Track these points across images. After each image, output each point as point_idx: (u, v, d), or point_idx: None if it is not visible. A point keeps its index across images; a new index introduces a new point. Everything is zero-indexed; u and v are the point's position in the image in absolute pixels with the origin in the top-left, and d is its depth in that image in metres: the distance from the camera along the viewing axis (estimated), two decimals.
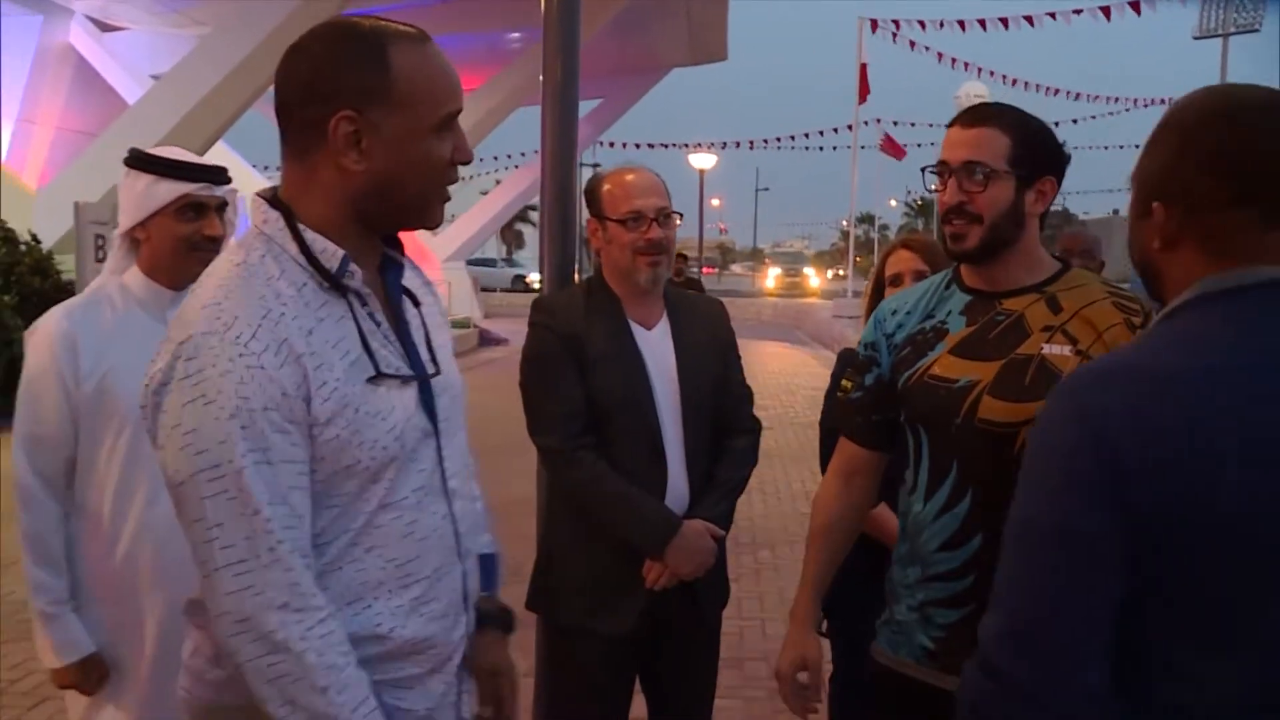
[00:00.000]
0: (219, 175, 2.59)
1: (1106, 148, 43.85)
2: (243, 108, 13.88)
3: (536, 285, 5.30)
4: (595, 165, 33.84)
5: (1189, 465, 1.35)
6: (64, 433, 2.51)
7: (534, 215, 51.04)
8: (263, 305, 1.57)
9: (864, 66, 28.37)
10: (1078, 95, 42.19)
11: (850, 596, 2.94)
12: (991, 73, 36.06)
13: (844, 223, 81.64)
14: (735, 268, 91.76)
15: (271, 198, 1.69)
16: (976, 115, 2.17)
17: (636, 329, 2.84)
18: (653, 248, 2.79)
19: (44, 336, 2.52)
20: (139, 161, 2.56)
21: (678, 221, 2.89)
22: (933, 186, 2.21)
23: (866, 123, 31.23)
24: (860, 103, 28.66)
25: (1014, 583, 1.41)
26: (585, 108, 26.44)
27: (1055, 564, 1.39)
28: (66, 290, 12.24)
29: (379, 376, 1.65)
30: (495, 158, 38.57)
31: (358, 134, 1.60)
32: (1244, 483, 1.34)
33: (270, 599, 1.54)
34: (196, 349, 1.54)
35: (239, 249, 1.66)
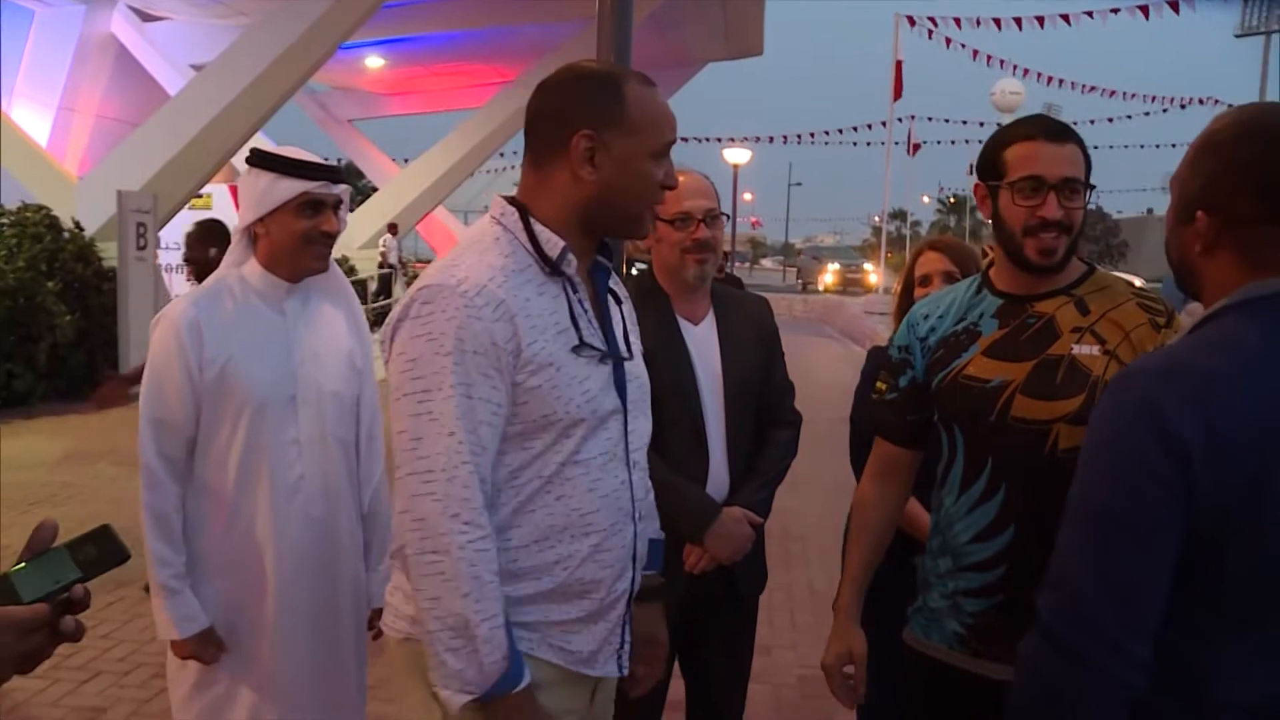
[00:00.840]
0: (336, 174, 2.73)
1: (1142, 146, 43.56)
2: (283, 99, 14.00)
3: None
4: None
5: (1247, 461, 1.50)
6: (187, 416, 2.64)
7: None
8: (490, 271, 1.90)
9: (899, 63, 28.33)
10: (1113, 93, 41.88)
11: (879, 586, 3.02)
12: (1026, 71, 35.94)
13: (875, 218, 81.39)
14: (766, 262, 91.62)
15: (510, 198, 2.04)
16: (1063, 131, 2.23)
17: (684, 324, 2.94)
18: (700, 247, 2.89)
19: (170, 324, 2.65)
20: (262, 160, 2.69)
21: (724, 222, 2.99)
22: (1012, 199, 2.21)
23: (901, 119, 31.12)
24: (895, 99, 28.62)
25: (1081, 563, 1.55)
26: None
27: (1123, 548, 1.52)
28: (108, 277, 12.44)
29: (581, 346, 1.95)
30: None
31: (592, 150, 1.94)
32: None
33: (447, 507, 1.83)
34: (431, 296, 1.88)
35: (480, 232, 2.02)
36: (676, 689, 3.10)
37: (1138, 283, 2.95)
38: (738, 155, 39.63)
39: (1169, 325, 2.19)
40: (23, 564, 1.30)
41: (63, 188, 13.77)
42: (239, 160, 19.89)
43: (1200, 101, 46.19)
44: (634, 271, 13.05)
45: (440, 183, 24.16)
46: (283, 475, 2.68)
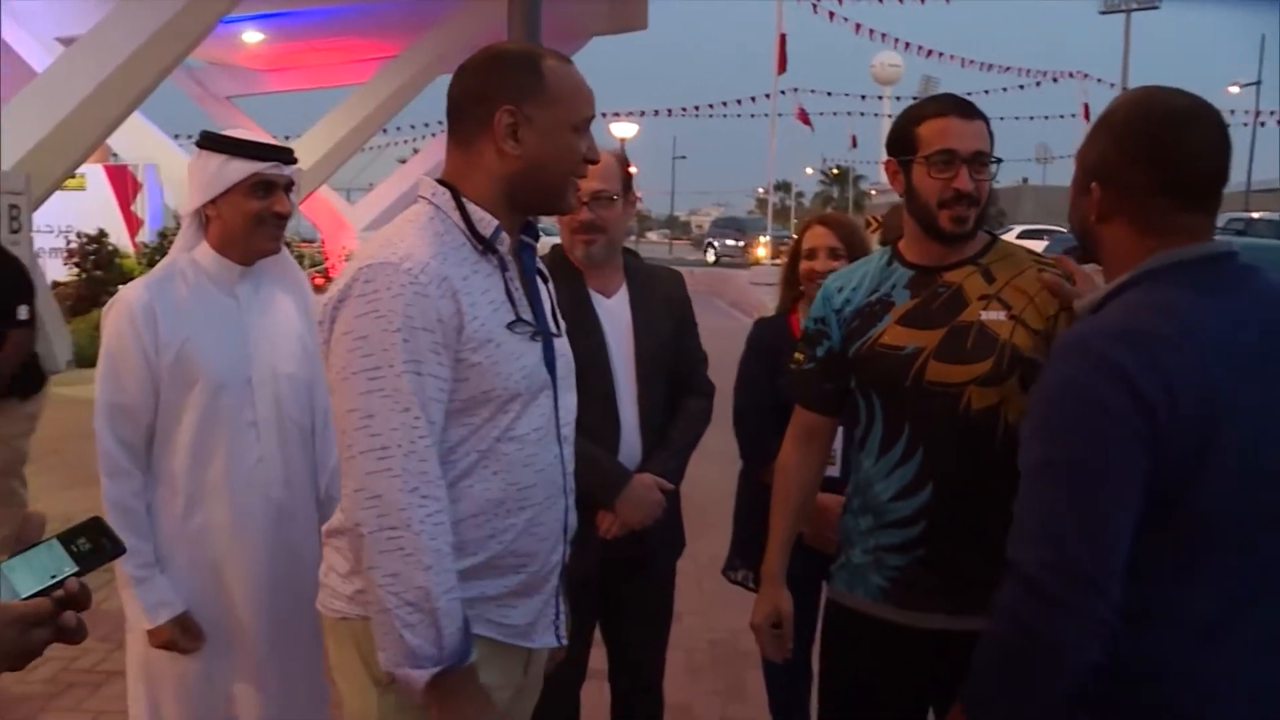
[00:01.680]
0: (287, 155, 2.72)
1: (1016, 118, 44.77)
2: (161, 75, 13.55)
3: None
4: None
5: (1196, 419, 1.65)
6: (146, 401, 2.62)
7: None
8: (431, 248, 1.93)
9: (783, 36, 28.63)
10: (989, 66, 42.95)
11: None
12: (908, 44, 36.60)
13: (760, 190, 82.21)
14: (652, 235, 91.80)
15: (439, 180, 2.06)
16: (972, 109, 2.36)
17: (596, 297, 3.00)
18: (584, 228, 2.94)
19: (124, 308, 2.62)
20: (211, 142, 2.68)
21: (620, 203, 3.00)
22: (937, 174, 2.30)
23: (784, 92, 31.47)
24: (779, 72, 28.92)
25: (1062, 517, 1.67)
26: None
27: (1102, 497, 1.66)
28: None
29: (516, 322, 1.99)
30: (413, 126, 38.21)
31: (515, 125, 1.97)
32: (1237, 430, 1.67)
33: (405, 483, 1.85)
34: (374, 274, 1.89)
35: (412, 213, 2.03)
36: (598, 657, 3.17)
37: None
38: (624, 129, 39.65)
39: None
40: (12, 558, 1.26)
41: None
42: (115, 140, 19.34)
43: (1070, 75, 47.66)
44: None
45: (324, 161, 23.64)
46: (241, 458, 2.68)
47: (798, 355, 2.58)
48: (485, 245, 1.99)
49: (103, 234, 16.85)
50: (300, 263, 24.92)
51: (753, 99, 45.09)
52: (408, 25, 23.51)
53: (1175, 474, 1.67)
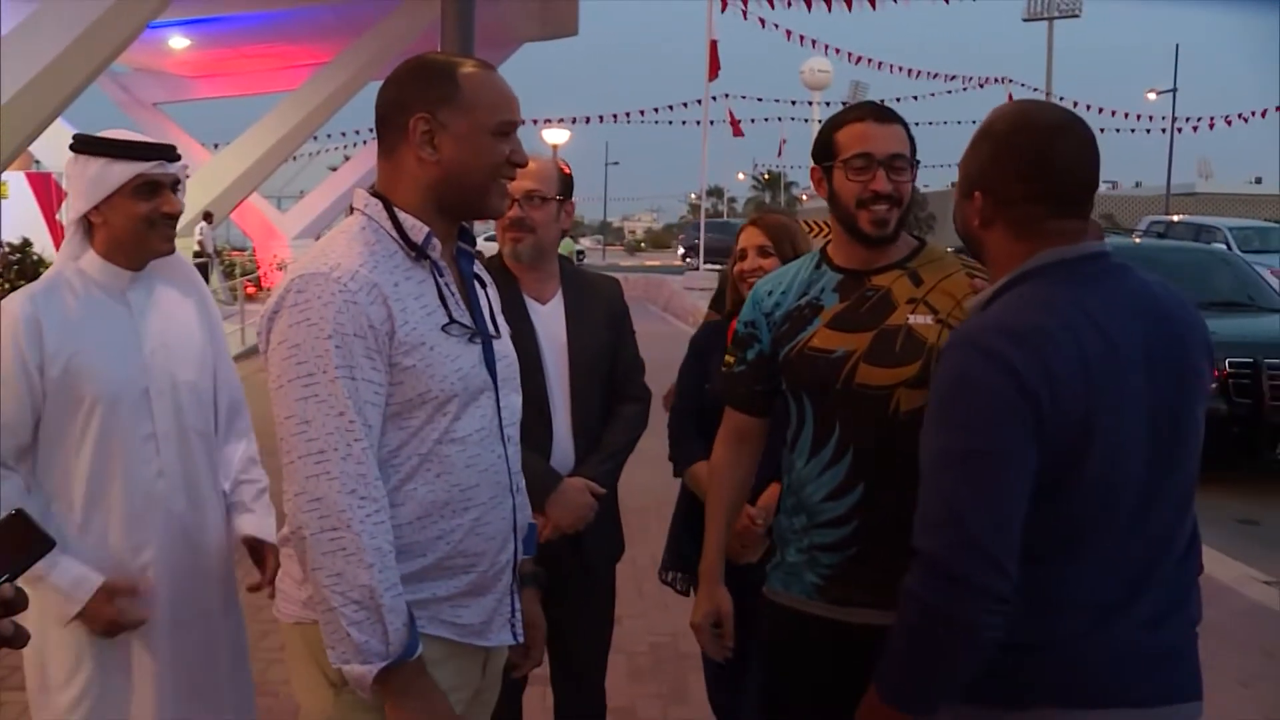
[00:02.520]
0: (170, 153, 2.63)
1: (945, 123, 45.34)
2: (86, 81, 13.30)
3: None
4: None
5: (1077, 406, 1.80)
6: (20, 419, 2.50)
7: None
8: (360, 257, 1.98)
9: (714, 43, 28.78)
10: (918, 73, 43.50)
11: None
12: (838, 50, 36.98)
13: (692, 196, 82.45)
14: (585, 241, 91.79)
15: (371, 190, 2.10)
16: (886, 113, 2.44)
17: (531, 303, 3.03)
18: (513, 225, 2.97)
19: (7, 320, 2.50)
20: (88, 145, 2.57)
21: (555, 205, 3.02)
22: (848, 175, 2.38)
23: (716, 98, 31.66)
24: (710, 79, 29.06)
25: (960, 501, 1.79)
26: None
27: (995, 480, 1.79)
28: None
29: (450, 324, 2.03)
30: (344, 134, 37.86)
31: (430, 133, 2.02)
32: (1109, 421, 1.82)
33: (344, 485, 1.89)
34: (305, 284, 1.95)
35: (346, 224, 2.09)
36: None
37: None
38: (556, 135, 39.59)
39: None
40: None
41: None
42: (37, 147, 18.93)
43: (996, 81, 48.39)
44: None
45: (254, 168, 23.36)
46: (139, 473, 2.57)
47: (729, 358, 2.63)
48: (418, 252, 2.03)
49: (27, 243, 16.54)
50: (232, 271, 24.69)
51: (685, 105, 45.28)
52: (339, 32, 23.35)
53: (1060, 457, 1.80)
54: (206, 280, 18.84)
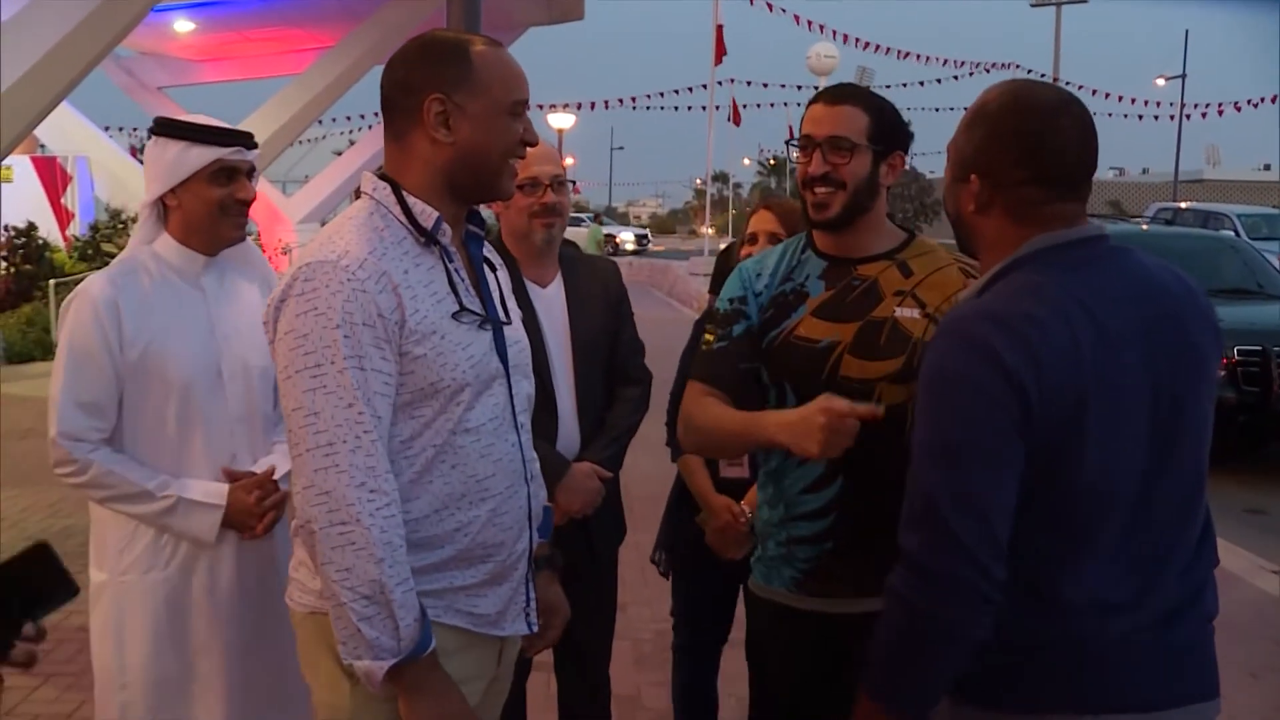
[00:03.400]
0: (248, 140, 2.65)
1: (952, 109, 45.16)
2: (91, 64, 13.27)
3: None
4: None
5: (1068, 394, 1.72)
6: (111, 398, 2.55)
7: None
8: (369, 244, 1.94)
9: (720, 28, 28.70)
10: (927, 59, 43.36)
11: (676, 539, 3.41)
12: (845, 36, 36.87)
13: (698, 181, 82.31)
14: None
15: (379, 173, 2.05)
16: (838, 94, 2.38)
17: (532, 287, 3.02)
18: (547, 211, 2.96)
19: (87, 303, 2.54)
20: (168, 128, 2.59)
21: (569, 188, 3.06)
22: (795, 157, 2.39)
23: (721, 83, 31.59)
24: (716, 63, 29.00)
25: (942, 497, 1.72)
26: None
27: (977, 475, 1.71)
28: None
29: (461, 311, 1.99)
30: (349, 118, 37.83)
31: (445, 114, 1.96)
32: (1100, 410, 1.74)
33: (353, 478, 1.85)
34: (312, 273, 1.90)
35: (353, 209, 2.03)
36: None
37: None
38: (562, 120, 39.55)
39: None
40: None
41: None
42: (43, 131, 18.92)
43: (1003, 66, 48.21)
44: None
45: (259, 153, 23.34)
46: (216, 456, 2.63)
47: (708, 335, 2.50)
48: (427, 237, 1.99)
49: (32, 227, 16.50)
50: None
51: (690, 90, 45.25)
52: (344, 15, 23.24)
53: (1053, 447, 1.73)
54: None
